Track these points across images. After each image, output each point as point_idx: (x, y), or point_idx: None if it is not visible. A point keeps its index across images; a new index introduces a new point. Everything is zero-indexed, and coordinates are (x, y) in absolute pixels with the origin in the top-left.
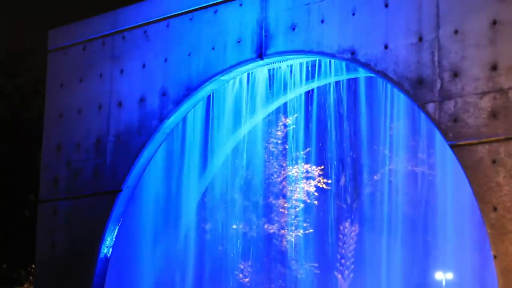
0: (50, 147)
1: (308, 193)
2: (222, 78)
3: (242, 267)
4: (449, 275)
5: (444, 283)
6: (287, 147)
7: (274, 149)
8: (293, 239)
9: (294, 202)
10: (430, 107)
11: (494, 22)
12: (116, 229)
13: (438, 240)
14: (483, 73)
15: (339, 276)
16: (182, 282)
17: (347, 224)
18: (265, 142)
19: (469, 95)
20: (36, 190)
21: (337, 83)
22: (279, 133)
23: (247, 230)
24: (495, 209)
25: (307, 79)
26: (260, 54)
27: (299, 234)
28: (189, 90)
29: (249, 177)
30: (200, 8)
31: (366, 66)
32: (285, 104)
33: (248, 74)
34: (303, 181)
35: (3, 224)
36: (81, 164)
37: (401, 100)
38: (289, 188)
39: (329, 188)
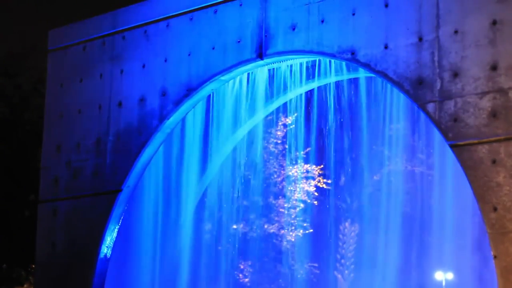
0: (50, 147)
1: (308, 193)
2: (222, 78)
3: (242, 267)
4: (449, 275)
5: (444, 283)
6: (287, 147)
7: (274, 149)
8: (293, 239)
9: (294, 202)
10: (430, 107)
11: (494, 22)
12: (116, 229)
13: (438, 240)
14: (483, 73)
15: (339, 276)
16: (181, 282)
17: (347, 224)
18: (265, 142)
19: (469, 95)
20: (36, 190)
21: (337, 83)
22: (279, 133)
23: (247, 230)
24: (495, 209)
25: (307, 79)
26: (260, 54)
27: (299, 234)
28: (189, 90)
29: (249, 177)
30: (200, 8)
31: (366, 66)
32: (285, 104)
33: (248, 74)
34: (303, 181)
35: (3, 224)
36: (81, 164)
37: (401, 100)
38: (289, 188)
39: (329, 188)
